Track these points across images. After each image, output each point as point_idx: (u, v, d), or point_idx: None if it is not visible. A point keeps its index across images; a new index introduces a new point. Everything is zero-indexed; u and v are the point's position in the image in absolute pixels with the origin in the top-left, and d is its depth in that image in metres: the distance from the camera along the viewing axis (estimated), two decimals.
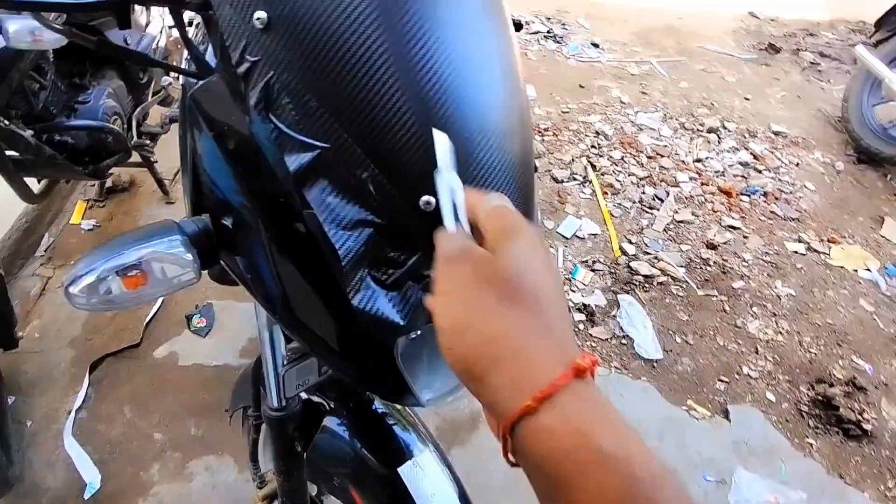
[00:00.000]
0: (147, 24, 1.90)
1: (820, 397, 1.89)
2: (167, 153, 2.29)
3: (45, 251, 2.09)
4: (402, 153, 0.47)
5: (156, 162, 2.10)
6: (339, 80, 0.45)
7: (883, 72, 2.90)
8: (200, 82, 0.58)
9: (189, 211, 0.88)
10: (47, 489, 1.52)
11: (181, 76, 0.71)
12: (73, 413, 1.65)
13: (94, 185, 2.28)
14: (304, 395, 0.92)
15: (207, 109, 0.58)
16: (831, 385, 1.92)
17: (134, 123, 1.84)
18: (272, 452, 0.95)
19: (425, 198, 0.47)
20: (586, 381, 0.31)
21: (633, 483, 0.28)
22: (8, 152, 1.48)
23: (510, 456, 0.32)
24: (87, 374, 1.73)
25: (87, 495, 1.50)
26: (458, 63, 0.48)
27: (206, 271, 0.64)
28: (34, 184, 1.87)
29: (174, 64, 1.46)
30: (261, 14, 0.45)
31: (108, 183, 2.28)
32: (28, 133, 1.44)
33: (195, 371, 1.79)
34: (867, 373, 2.03)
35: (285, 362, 0.85)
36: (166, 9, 0.54)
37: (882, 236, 2.62)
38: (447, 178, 0.41)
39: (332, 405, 0.94)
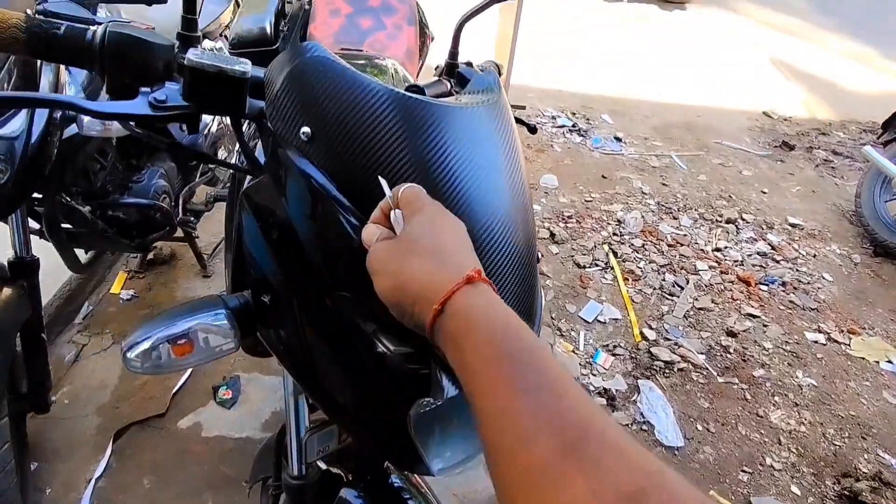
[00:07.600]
0: None
1: (846, 492, 1.83)
2: (207, 229, 2.42)
3: (84, 318, 2.17)
4: None
5: (197, 237, 2.20)
6: (368, 182, 0.55)
7: (892, 170, 2.99)
8: (253, 180, 0.69)
9: (229, 284, 0.97)
10: None
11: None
12: (92, 482, 1.65)
13: (136, 256, 2.38)
14: (322, 466, 0.95)
15: (257, 202, 0.68)
16: (857, 479, 1.86)
17: (181, 201, 1.97)
18: None
19: None
20: (477, 285, 0.44)
21: (503, 326, 0.41)
22: (63, 224, 1.60)
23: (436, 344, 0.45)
24: (111, 443, 1.74)
25: None
26: (470, 168, 0.58)
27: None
28: (82, 254, 1.96)
29: (226, 159, 1.58)
30: (306, 129, 0.57)
31: (150, 255, 2.38)
32: (86, 209, 1.55)
33: (217, 442, 1.79)
34: (893, 467, 1.96)
35: (308, 430, 0.90)
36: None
37: None
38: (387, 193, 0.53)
39: (349, 477, 0.96)
